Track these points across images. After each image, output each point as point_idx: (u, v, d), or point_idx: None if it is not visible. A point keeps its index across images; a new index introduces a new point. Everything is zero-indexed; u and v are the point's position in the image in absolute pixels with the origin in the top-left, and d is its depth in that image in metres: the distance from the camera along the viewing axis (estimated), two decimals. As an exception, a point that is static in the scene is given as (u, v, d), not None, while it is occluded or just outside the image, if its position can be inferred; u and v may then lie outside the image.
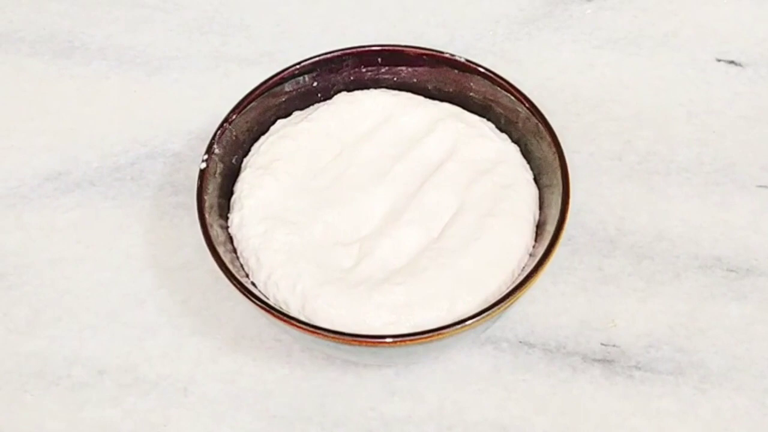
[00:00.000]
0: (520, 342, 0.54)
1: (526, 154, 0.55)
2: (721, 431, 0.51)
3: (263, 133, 0.56)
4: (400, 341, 0.48)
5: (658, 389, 0.52)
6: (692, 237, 0.57)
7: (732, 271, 0.56)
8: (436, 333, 0.48)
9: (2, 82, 0.64)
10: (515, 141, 0.56)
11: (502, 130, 0.56)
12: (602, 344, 0.54)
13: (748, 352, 0.53)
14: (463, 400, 0.52)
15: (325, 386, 0.53)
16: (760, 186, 0.59)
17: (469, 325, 0.48)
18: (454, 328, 0.48)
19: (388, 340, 0.48)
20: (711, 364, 0.53)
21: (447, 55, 0.56)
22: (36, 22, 0.67)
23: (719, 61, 0.64)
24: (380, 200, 0.53)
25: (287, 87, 0.56)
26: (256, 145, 0.55)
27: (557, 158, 0.52)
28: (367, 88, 0.57)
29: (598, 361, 0.53)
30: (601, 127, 0.61)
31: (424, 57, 0.56)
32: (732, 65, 0.64)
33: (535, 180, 0.54)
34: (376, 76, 0.57)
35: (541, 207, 0.53)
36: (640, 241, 0.57)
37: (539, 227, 0.53)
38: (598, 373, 0.53)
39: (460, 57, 0.56)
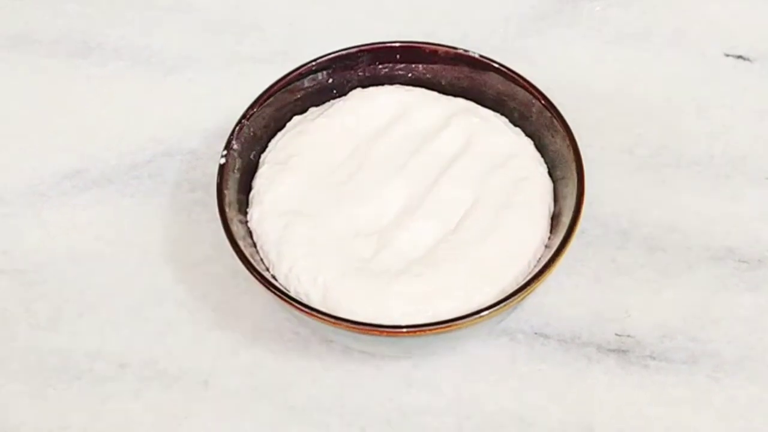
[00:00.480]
0: (536, 333, 0.54)
1: (540, 148, 0.56)
2: (735, 419, 0.52)
3: (279, 129, 0.57)
4: (419, 331, 0.48)
5: (673, 378, 0.53)
6: (704, 229, 0.58)
7: (744, 262, 0.56)
8: (453, 323, 0.48)
9: (20, 83, 0.65)
10: (529, 135, 0.56)
11: (515, 125, 0.57)
12: (617, 335, 0.54)
13: (760, 341, 0.54)
14: (480, 391, 0.53)
15: (344, 378, 0.53)
16: (770, 178, 0.60)
17: (486, 315, 0.49)
18: (472, 318, 0.48)
19: (405, 329, 0.48)
20: (724, 353, 0.54)
21: (461, 51, 0.57)
22: (52, 23, 0.68)
23: (728, 56, 0.65)
24: (397, 194, 0.54)
25: (304, 83, 0.57)
26: (274, 141, 0.56)
27: (572, 151, 0.53)
28: (382, 84, 0.58)
29: (613, 351, 0.54)
30: (612, 122, 0.62)
31: (439, 53, 0.57)
32: (740, 60, 0.65)
33: (549, 174, 0.55)
34: (391, 73, 0.58)
35: (555, 199, 0.54)
36: (652, 233, 0.57)
37: (554, 219, 0.53)
38: (613, 363, 0.53)
39: (474, 53, 0.57)
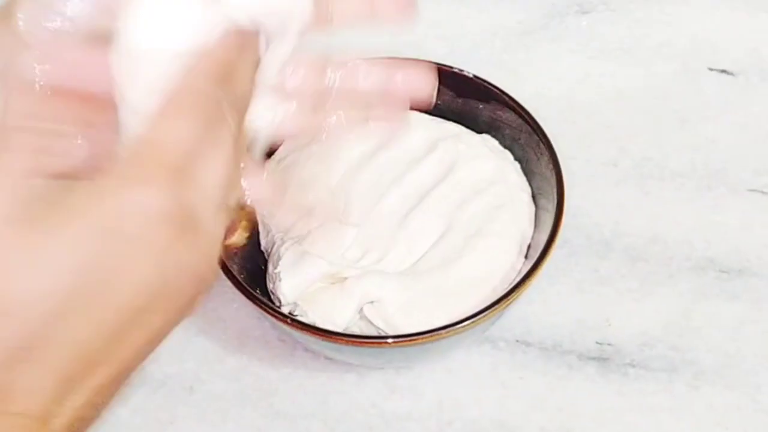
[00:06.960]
0: (518, 341, 0.55)
1: (527, 172, 0.56)
2: (714, 427, 0.52)
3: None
4: (404, 341, 0.49)
5: (652, 386, 0.53)
6: (685, 239, 0.58)
7: (724, 272, 0.57)
8: (436, 333, 0.48)
9: None
10: (518, 159, 0.56)
11: (506, 147, 0.56)
12: (597, 343, 0.55)
13: (739, 350, 0.55)
14: (462, 398, 0.54)
15: (328, 384, 0.54)
16: (751, 190, 0.60)
17: (469, 325, 0.48)
18: (452, 329, 0.48)
19: (389, 341, 0.49)
20: (704, 361, 0.54)
21: (455, 71, 0.56)
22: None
23: (711, 70, 0.65)
24: (372, 224, 0.54)
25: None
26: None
27: (554, 175, 0.53)
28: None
29: (594, 359, 0.54)
30: (596, 134, 0.63)
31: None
32: (724, 74, 0.65)
33: (534, 199, 0.55)
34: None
35: (537, 225, 0.54)
36: (634, 243, 0.58)
37: (531, 245, 0.53)
38: (593, 371, 0.54)
39: (468, 72, 0.56)
